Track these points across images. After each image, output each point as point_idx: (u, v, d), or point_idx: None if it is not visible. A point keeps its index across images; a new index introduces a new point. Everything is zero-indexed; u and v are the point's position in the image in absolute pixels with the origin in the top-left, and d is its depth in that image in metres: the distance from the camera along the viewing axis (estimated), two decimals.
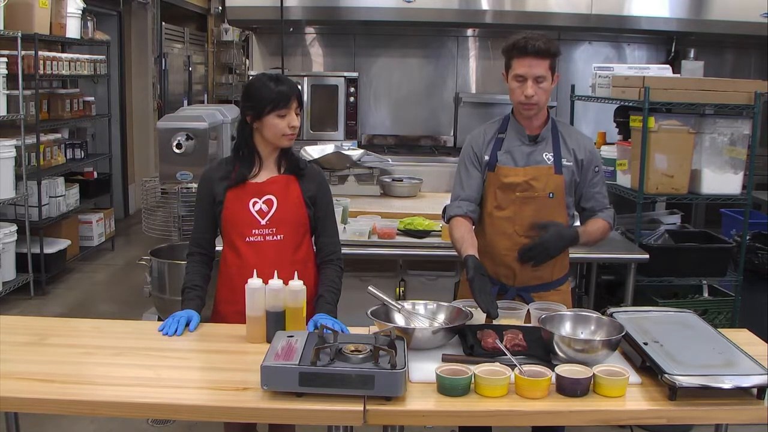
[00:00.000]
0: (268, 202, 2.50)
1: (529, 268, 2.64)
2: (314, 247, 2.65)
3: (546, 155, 2.65)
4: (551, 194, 2.63)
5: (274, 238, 2.51)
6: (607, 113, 4.69)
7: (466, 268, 2.49)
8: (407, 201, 4.48)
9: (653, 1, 5.51)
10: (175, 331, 2.35)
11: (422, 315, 2.36)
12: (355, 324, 2.39)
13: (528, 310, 2.47)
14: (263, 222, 2.50)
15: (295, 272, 2.33)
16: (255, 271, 2.30)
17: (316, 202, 2.57)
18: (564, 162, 2.65)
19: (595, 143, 4.43)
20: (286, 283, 2.28)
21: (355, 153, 4.66)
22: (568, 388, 1.96)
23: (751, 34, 5.54)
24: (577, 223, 2.81)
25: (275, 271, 2.30)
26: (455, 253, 3.46)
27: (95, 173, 7.00)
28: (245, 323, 2.33)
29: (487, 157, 2.70)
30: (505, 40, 2.60)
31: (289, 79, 2.54)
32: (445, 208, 2.83)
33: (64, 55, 6.28)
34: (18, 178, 5.47)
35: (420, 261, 3.68)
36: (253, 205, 2.50)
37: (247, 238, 2.50)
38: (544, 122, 2.68)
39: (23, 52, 5.40)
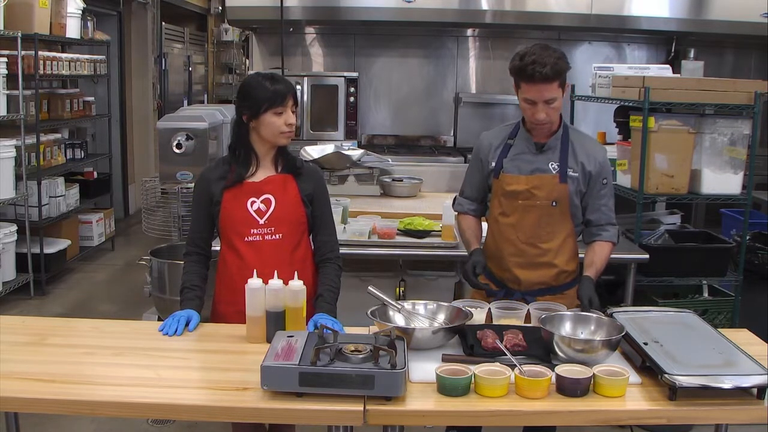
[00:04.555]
0: (266, 202, 2.50)
1: (533, 275, 2.69)
2: (312, 246, 2.65)
3: (552, 164, 2.65)
4: (554, 203, 2.64)
5: (273, 237, 2.51)
6: (607, 113, 4.69)
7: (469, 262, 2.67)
8: (407, 201, 4.48)
9: (653, 1, 5.50)
10: (175, 331, 2.35)
11: (422, 315, 2.36)
12: (355, 324, 2.39)
13: (528, 310, 2.47)
14: (262, 221, 2.50)
15: (295, 272, 2.33)
16: (255, 271, 2.30)
17: (313, 201, 2.57)
18: (570, 172, 2.64)
19: None
20: (286, 282, 2.28)
21: (355, 153, 4.65)
22: (568, 388, 1.96)
23: (751, 34, 5.53)
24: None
25: (275, 271, 2.30)
26: (455, 253, 3.51)
27: (95, 173, 7.00)
28: (245, 323, 2.33)
29: (493, 164, 2.72)
30: (507, 46, 2.59)
31: (284, 77, 2.55)
32: (455, 197, 2.94)
33: (64, 55, 6.28)
34: (18, 178, 5.47)
35: (420, 261, 3.68)
36: (252, 205, 2.50)
37: (246, 238, 2.50)
38: (555, 130, 2.66)
39: (23, 52, 5.40)
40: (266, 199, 2.50)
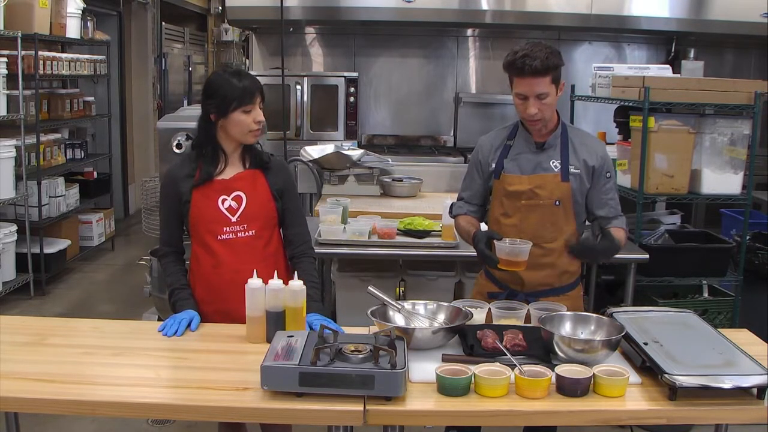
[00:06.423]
0: (237, 199, 2.49)
1: (537, 275, 2.66)
2: (282, 239, 2.63)
3: (553, 163, 2.64)
4: (557, 202, 2.63)
5: (246, 234, 2.50)
6: (607, 113, 4.69)
7: (476, 238, 2.57)
8: (407, 201, 4.49)
9: (653, 1, 5.51)
10: (175, 332, 2.34)
11: (422, 315, 2.36)
12: (355, 324, 2.39)
13: (528, 310, 2.47)
14: (234, 219, 2.48)
15: (295, 273, 2.32)
16: (255, 271, 2.29)
17: (283, 195, 2.56)
18: (572, 170, 2.63)
19: None
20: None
21: (355, 153, 4.66)
22: (568, 388, 1.96)
23: (751, 34, 5.53)
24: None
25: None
26: (455, 253, 3.50)
27: (95, 173, 7.00)
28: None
29: (493, 165, 2.70)
30: (507, 46, 2.58)
31: (250, 73, 2.52)
32: (452, 204, 2.91)
33: (64, 55, 6.28)
34: (18, 178, 5.47)
35: (420, 261, 3.69)
36: (222, 203, 2.48)
37: (219, 236, 2.48)
38: (553, 129, 2.65)
39: (23, 52, 5.39)
40: (237, 196, 2.49)
